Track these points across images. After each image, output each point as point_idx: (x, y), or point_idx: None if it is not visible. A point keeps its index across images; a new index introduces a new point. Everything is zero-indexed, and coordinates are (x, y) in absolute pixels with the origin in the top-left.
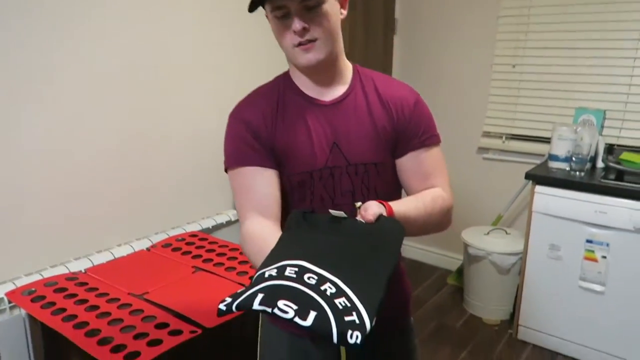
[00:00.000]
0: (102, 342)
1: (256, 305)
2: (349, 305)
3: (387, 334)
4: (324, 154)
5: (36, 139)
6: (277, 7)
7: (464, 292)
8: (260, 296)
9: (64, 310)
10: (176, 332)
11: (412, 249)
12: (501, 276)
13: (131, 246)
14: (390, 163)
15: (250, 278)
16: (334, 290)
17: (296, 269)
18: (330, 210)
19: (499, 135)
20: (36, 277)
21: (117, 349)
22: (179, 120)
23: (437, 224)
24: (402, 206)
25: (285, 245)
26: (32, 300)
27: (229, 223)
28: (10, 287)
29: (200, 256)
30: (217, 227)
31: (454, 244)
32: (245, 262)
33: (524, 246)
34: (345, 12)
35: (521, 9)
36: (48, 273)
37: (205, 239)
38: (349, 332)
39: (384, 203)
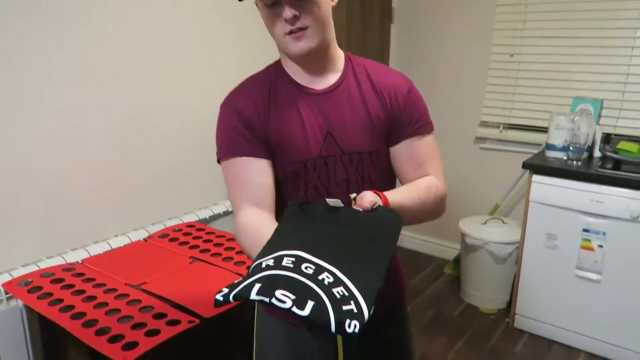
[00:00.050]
0: (100, 332)
1: (254, 295)
2: (346, 294)
3: (384, 323)
4: (318, 143)
5: (34, 133)
6: None
7: (460, 282)
8: (257, 286)
9: (61, 300)
10: (174, 322)
11: (409, 238)
12: (498, 265)
13: (128, 237)
14: (385, 151)
15: (248, 268)
16: (331, 279)
17: (293, 259)
18: (327, 199)
19: (497, 125)
20: (33, 268)
21: (114, 339)
22: (178, 116)
23: (431, 212)
24: (397, 196)
25: (282, 235)
26: (29, 291)
27: (226, 213)
28: (6, 277)
29: (198, 246)
30: (214, 217)
31: (451, 233)
32: (242, 252)
33: (521, 235)
34: None
35: None
36: (45, 264)
37: (203, 230)
38: (347, 321)
39: (379, 193)
